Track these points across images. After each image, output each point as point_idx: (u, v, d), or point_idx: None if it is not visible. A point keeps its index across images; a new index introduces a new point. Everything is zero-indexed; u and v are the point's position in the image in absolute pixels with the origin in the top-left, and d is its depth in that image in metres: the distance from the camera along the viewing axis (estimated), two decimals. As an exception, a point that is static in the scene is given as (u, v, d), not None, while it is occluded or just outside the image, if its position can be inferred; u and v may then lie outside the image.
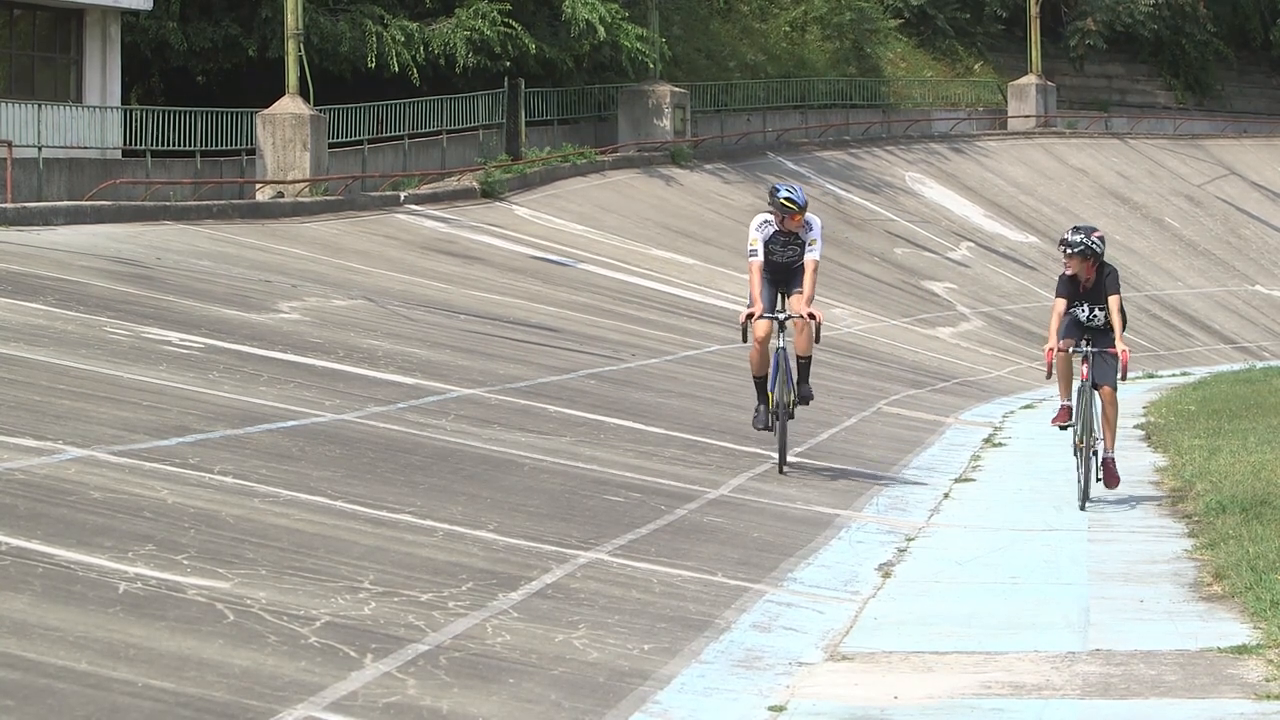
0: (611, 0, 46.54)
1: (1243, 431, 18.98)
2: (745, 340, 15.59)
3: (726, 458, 16.29)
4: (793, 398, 15.83)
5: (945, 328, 40.64)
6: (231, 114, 38.73)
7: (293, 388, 16.50)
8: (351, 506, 11.70)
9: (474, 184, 41.42)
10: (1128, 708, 8.35)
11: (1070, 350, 14.56)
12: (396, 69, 42.37)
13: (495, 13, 44.13)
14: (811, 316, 15.51)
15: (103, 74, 37.39)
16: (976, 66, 66.72)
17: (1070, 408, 14.81)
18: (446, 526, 11.54)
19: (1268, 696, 8.39)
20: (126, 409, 14.08)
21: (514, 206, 40.98)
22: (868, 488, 15.83)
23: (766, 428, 15.88)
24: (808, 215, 15.58)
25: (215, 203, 34.21)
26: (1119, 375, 14.34)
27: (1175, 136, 69.02)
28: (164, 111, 38.08)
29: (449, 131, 44.15)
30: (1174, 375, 36.85)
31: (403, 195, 38.79)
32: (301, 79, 38.31)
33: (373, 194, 38.74)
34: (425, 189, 40.51)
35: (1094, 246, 14.33)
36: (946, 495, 15.81)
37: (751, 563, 11.72)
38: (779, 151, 54.05)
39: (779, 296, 15.76)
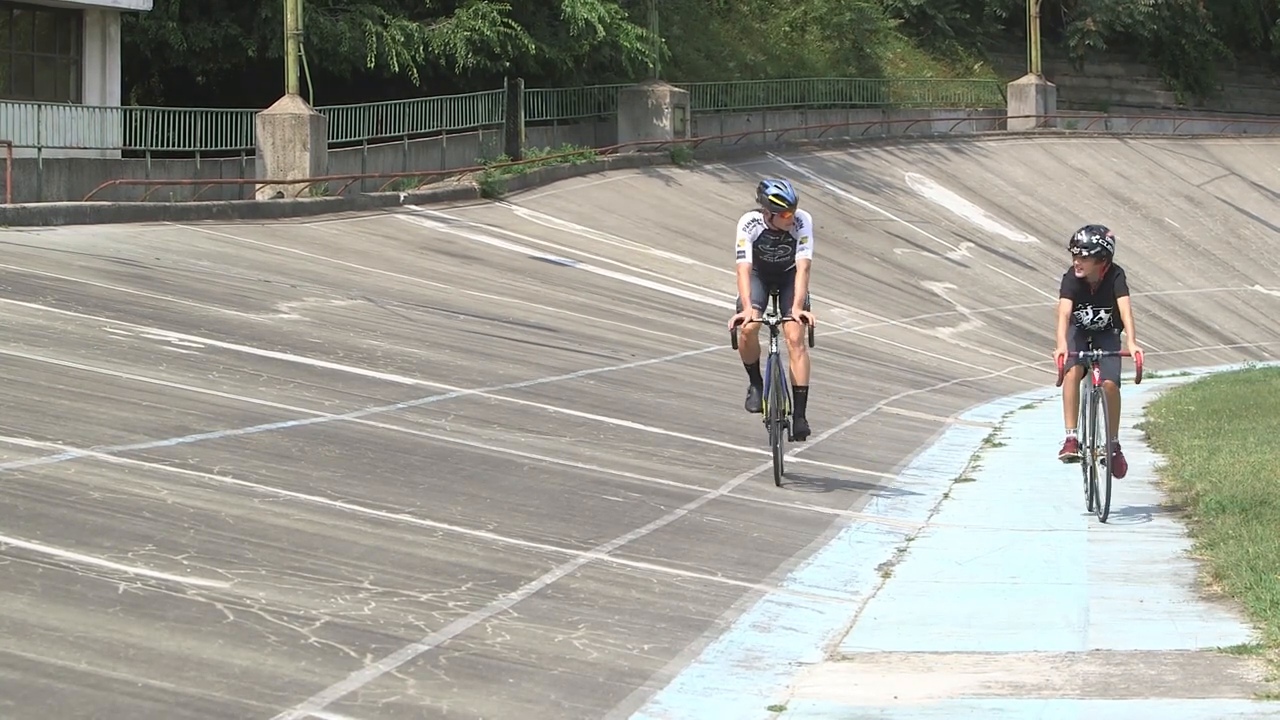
0: (611, 0, 46.53)
1: (1242, 431, 18.98)
2: (735, 346, 14.96)
3: (726, 458, 16.28)
4: (789, 405, 15.07)
5: (945, 328, 40.64)
6: (231, 114, 38.73)
7: (292, 388, 16.50)
8: (351, 506, 11.70)
9: (474, 184, 41.42)
10: (1128, 708, 8.35)
11: (1077, 361, 14.04)
12: (396, 69, 42.37)
13: (495, 13, 44.13)
14: (804, 319, 14.79)
15: (102, 74, 37.39)
16: (976, 66, 66.73)
17: (1076, 440, 14.20)
18: (446, 526, 11.54)
19: (1268, 696, 8.38)
20: (126, 409, 14.08)
21: (513, 207, 40.98)
22: (868, 488, 15.83)
23: (759, 410, 15.15)
24: (798, 212, 14.87)
25: (215, 203, 34.21)
26: (1134, 376, 14.01)
27: (1175, 136, 69.03)
28: (164, 112, 38.08)
29: (449, 132, 44.15)
30: (1174, 375, 36.85)
31: (402, 195, 38.79)
32: (301, 79, 38.32)
33: (372, 194, 38.74)
34: (425, 189, 40.51)
35: (1108, 247, 13.89)
36: (946, 495, 15.81)
37: (751, 563, 11.72)
38: (779, 152, 54.04)
39: (772, 298, 15.07)
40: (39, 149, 34.15)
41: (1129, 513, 14.43)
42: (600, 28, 45.58)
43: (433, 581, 9.99)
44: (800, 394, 15.01)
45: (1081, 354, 13.99)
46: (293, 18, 38.25)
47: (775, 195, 14.74)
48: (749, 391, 15.32)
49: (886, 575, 11.85)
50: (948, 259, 48.73)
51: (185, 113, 38.10)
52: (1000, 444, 20.42)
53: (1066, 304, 14.05)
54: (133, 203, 32.48)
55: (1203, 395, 25.66)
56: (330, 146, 39.59)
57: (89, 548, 9.62)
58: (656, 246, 40.17)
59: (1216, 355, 47.24)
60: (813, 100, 57.76)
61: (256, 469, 12.42)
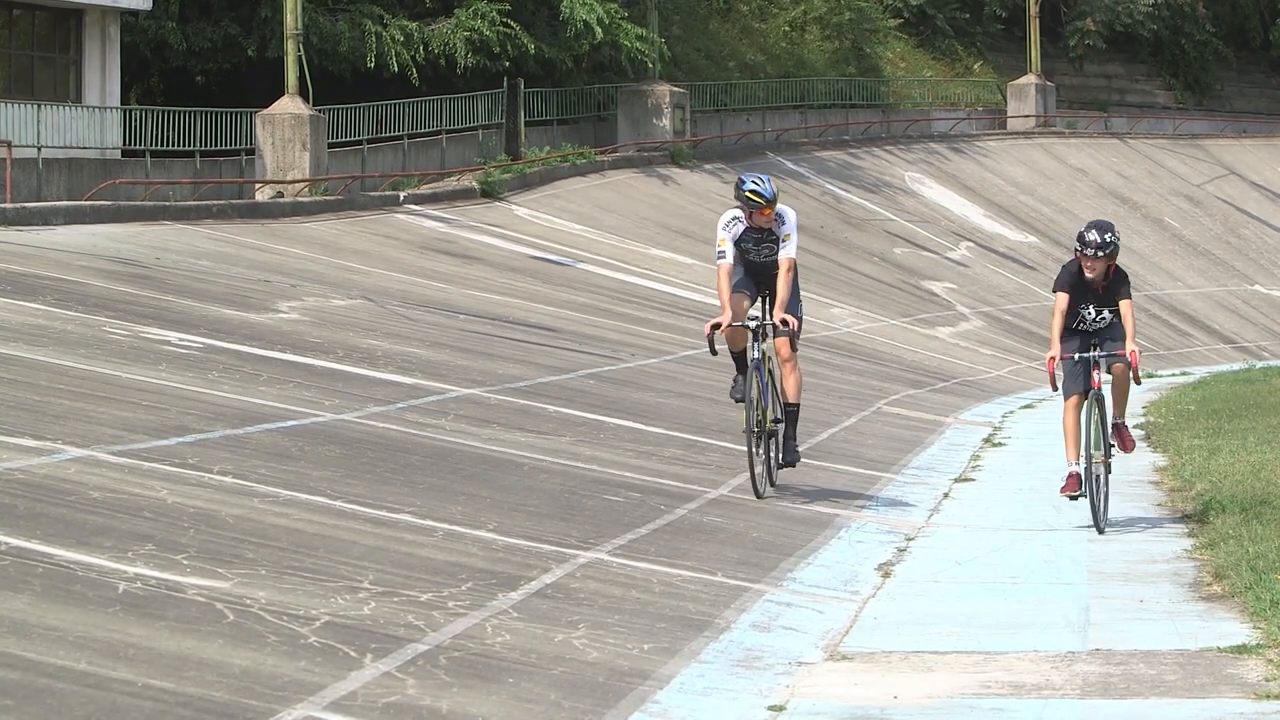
0: (611, 0, 46.53)
1: (1242, 431, 18.99)
2: (714, 353, 14.15)
3: (726, 458, 16.28)
4: (776, 415, 14.34)
5: (945, 328, 40.64)
6: (231, 114, 38.74)
7: (292, 388, 16.50)
8: (351, 506, 11.70)
9: (473, 184, 41.42)
10: (1127, 707, 8.35)
11: (1082, 379, 13.42)
12: (396, 69, 42.38)
13: (494, 13, 44.14)
14: (785, 324, 13.99)
15: (102, 74, 37.40)
16: (976, 66, 66.72)
17: (1079, 475, 13.42)
18: (446, 526, 11.53)
19: (1267, 696, 8.38)
20: (126, 409, 14.08)
21: (513, 206, 40.98)
22: (868, 487, 15.82)
23: (742, 399, 14.20)
24: (779, 208, 14.10)
25: (215, 203, 34.22)
26: (1133, 376, 13.38)
27: (1175, 136, 69.02)
28: (163, 111, 38.09)
29: (448, 131, 44.15)
30: (1174, 375, 36.84)
31: (402, 195, 38.80)
32: (301, 79, 38.32)
33: (372, 194, 38.74)
34: (425, 189, 40.52)
35: (1117, 243, 13.38)
36: (946, 495, 15.81)
37: (751, 562, 11.72)
38: (778, 151, 54.05)
39: (762, 300, 14.38)
40: (39, 149, 34.15)
41: (1129, 513, 14.43)
42: (598, 29, 45.59)
43: (433, 581, 9.99)
44: (791, 412, 14.36)
45: (1078, 356, 13.44)
46: (292, 18, 38.25)
47: (752, 192, 13.98)
48: (735, 380, 14.46)
49: (886, 575, 11.84)
50: (947, 259, 48.73)
51: (185, 113, 38.10)
52: (1000, 444, 20.42)
53: (1064, 299, 13.42)
54: (132, 202, 32.48)
55: (1203, 395, 25.66)
56: (330, 146, 39.59)
57: (89, 548, 9.62)
58: (656, 246, 40.17)
59: (1216, 355, 47.25)
60: (812, 100, 57.76)
61: (256, 469, 12.41)
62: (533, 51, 45.00)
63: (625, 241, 39.82)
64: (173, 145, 37.58)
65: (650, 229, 42.21)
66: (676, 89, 50.58)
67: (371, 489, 12.40)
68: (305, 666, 8.10)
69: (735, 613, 10.24)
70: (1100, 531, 13.30)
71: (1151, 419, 22.22)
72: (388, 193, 38.94)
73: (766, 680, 8.91)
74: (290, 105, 38.23)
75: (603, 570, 10.92)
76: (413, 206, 38.31)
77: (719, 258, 14.12)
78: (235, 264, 27.01)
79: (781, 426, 14.40)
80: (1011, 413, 25.21)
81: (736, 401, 14.50)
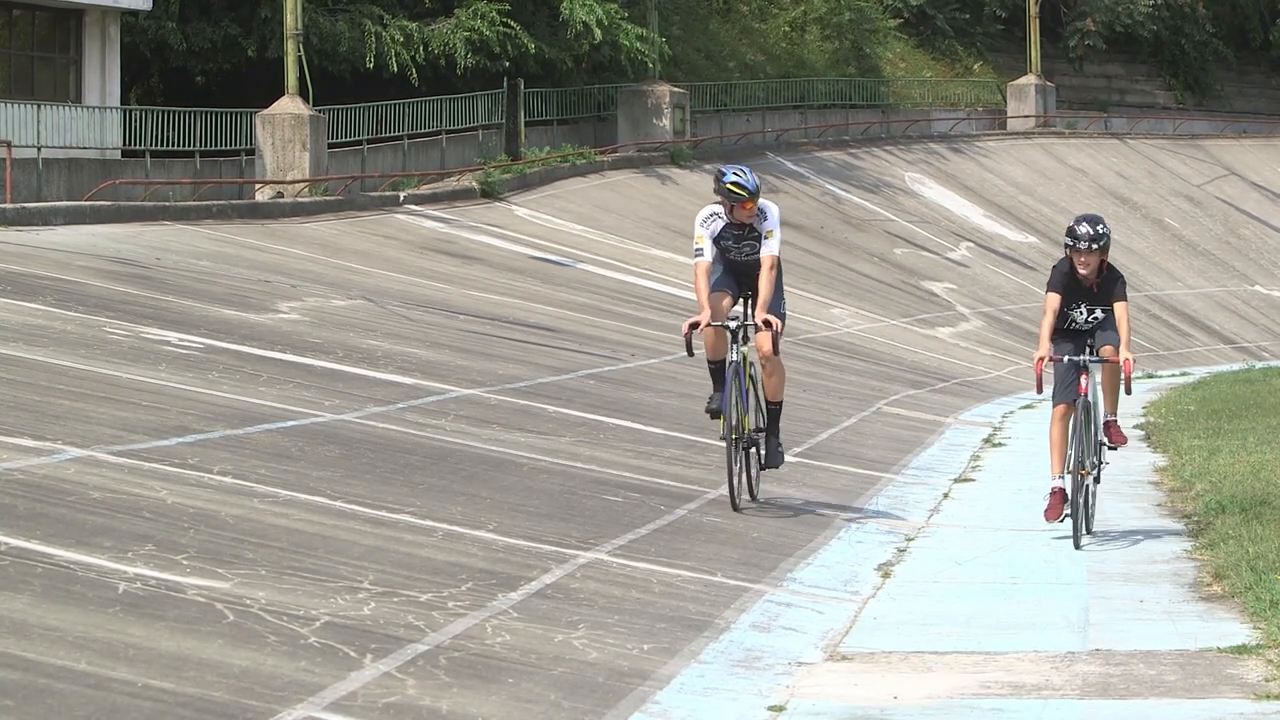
0: (611, 0, 46.53)
1: (1242, 431, 18.98)
2: (690, 353, 13.38)
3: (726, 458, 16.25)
4: (754, 425, 13.56)
5: (945, 328, 40.65)
6: (231, 114, 38.75)
7: (292, 388, 16.50)
8: (351, 506, 11.70)
9: (473, 184, 41.43)
10: (1127, 708, 8.35)
11: (1065, 398, 12.81)
12: (395, 69, 42.38)
13: (494, 13, 44.14)
14: (768, 325, 13.12)
15: (102, 74, 37.40)
16: (976, 66, 66.73)
17: (1064, 491, 12.84)
18: (446, 526, 11.54)
19: (1267, 696, 8.38)
20: (126, 409, 14.08)
21: (513, 207, 40.98)
22: (868, 487, 15.82)
23: (718, 414, 13.39)
24: (761, 202, 13.18)
25: (214, 203, 34.22)
26: (1124, 386, 12.70)
27: (1175, 136, 69.03)
28: (163, 111, 38.10)
29: (448, 132, 44.16)
30: (1173, 375, 36.85)
31: (402, 195, 38.80)
32: (301, 79, 38.33)
33: (372, 194, 38.75)
34: (425, 189, 40.53)
35: (1109, 234, 12.75)
36: (946, 495, 15.81)
37: (751, 563, 11.72)
38: (778, 152, 54.05)
39: (744, 302, 13.52)
40: (39, 149, 34.15)
41: (1129, 513, 14.43)
42: (598, 30, 45.59)
43: (432, 581, 9.99)
44: (774, 411, 13.64)
45: (1067, 358, 12.80)
46: (292, 18, 38.26)
47: (734, 184, 13.11)
48: (710, 397, 13.54)
49: (886, 575, 11.84)
50: (947, 259, 48.73)
51: (185, 113, 38.10)
52: (1000, 444, 20.42)
53: (1055, 299, 12.80)
54: (132, 203, 32.49)
55: (1203, 395, 25.66)
56: (330, 146, 39.60)
57: (89, 548, 9.62)
58: (656, 246, 40.17)
59: (1216, 355, 47.25)
60: (812, 100, 57.77)
61: (256, 469, 12.41)
62: (533, 51, 45.00)
63: (625, 242, 39.82)
64: (173, 145, 37.58)
65: (650, 229, 42.21)
66: (676, 89, 50.58)
67: (371, 489, 12.40)
68: (305, 667, 8.10)
69: (735, 613, 10.24)
70: (1077, 547, 12.56)
71: (1151, 419, 22.22)
72: (387, 193, 38.94)
73: (766, 680, 8.91)
74: (290, 105, 38.24)
75: (603, 570, 10.92)
76: (413, 207, 38.31)
77: (696, 255, 13.23)
78: (235, 264, 27.00)
79: (762, 435, 13.66)
80: (1011, 413, 25.21)
81: (713, 417, 13.54)
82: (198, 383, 15.90)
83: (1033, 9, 63.78)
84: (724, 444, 13.49)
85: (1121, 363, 12.64)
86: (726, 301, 13.40)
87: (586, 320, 27.72)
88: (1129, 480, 15.61)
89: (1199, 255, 58.03)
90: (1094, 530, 13.21)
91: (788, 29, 59.75)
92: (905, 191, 54.20)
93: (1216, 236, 60.38)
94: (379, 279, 28.02)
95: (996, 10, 66.97)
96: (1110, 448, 13.17)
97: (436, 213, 38.24)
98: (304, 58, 38.52)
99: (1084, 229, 12.71)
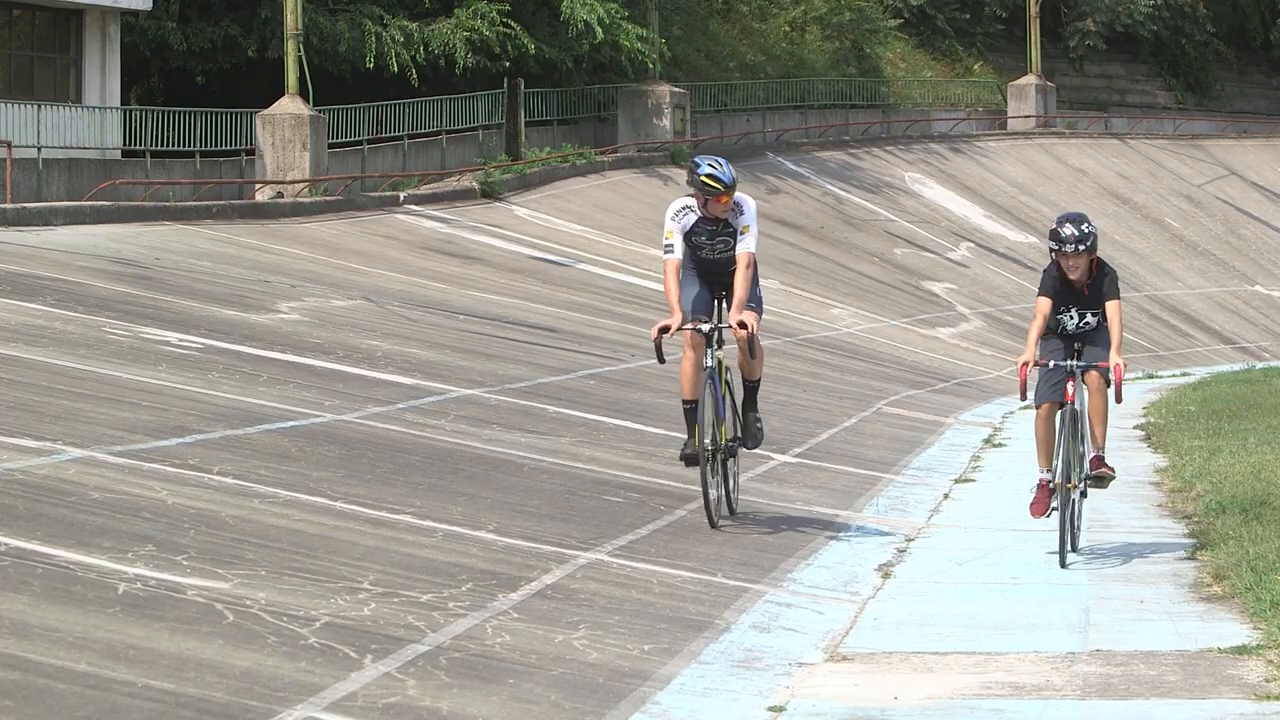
0: (611, 0, 46.53)
1: (1243, 432, 18.98)
2: (661, 360, 12.46)
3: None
4: (731, 435, 12.81)
5: (945, 328, 40.64)
6: (231, 114, 38.74)
7: (292, 388, 16.50)
8: (351, 507, 11.70)
9: (473, 184, 41.43)
10: (1128, 708, 8.35)
11: (1050, 396, 12.13)
12: (396, 69, 42.38)
13: (494, 13, 44.13)
14: (743, 325, 12.37)
15: (102, 74, 37.40)
16: (976, 66, 66.73)
17: (1050, 485, 12.25)
18: (446, 527, 11.53)
19: (1268, 697, 8.38)
20: (126, 409, 14.08)
21: (513, 207, 40.98)
22: (868, 488, 15.82)
23: (694, 462, 12.48)
24: (738, 196, 12.38)
25: (214, 203, 34.22)
26: (1115, 393, 12.06)
27: (1175, 137, 69.03)
28: (163, 112, 38.09)
29: (448, 132, 44.16)
30: (1174, 375, 36.85)
31: (402, 195, 38.80)
32: (301, 79, 38.33)
33: (372, 194, 38.75)
34: (425, 189, 40.53)
35: (1095, 233, 12.05)
36: (946, 495, 15.81)
37: (751, 563, 11.72)
38: (778, 152, 54.05)
39: (716, 302, 12.77)
40: (39, 149, 34.15)
41: (1129, 513, 14.42)
42: (598, 29, 45.58)
43: (433, 582, 9.99)
44: (751, 386, 12.92)
45: (1053, 364, 12.14)
46: (292, 18, 38.25)
47: (708, 176, 12.31)
48: (686, 443, 12.58)
49: (886, 576, 11.84)
50: (948, 259, 48.73)
51: (185, 113, 38.10)
52: (1000, 444, 20.42)
53: (1046, 303, 12.08)
54: (132, 203, 32.49)
55: (1203, 395, 25.66)
56: (330, 146, 39.60)
57: (89, 548, 9.62)
58: (656, 247, 40.05)
59: (1216, 355, 47.25)
60: (813, 100, 57.77)
61: (256, 469, 12.41)
62: (533, 52, 44.99)
63: (625, 242, 39.81)
64: (173, 145, 37.58)
65: (650, 229, 42.18)
66: (677, 89, 50.58)
67: (371, 489, 12.40)
68: (305, 667, 8.10)
69: (735, 613, 10.23)
70: (1063, 566, 11.91)
71: (1151, 419, 22.22)
72: (388, 193, 38.94)
73: (766, 681, 8.91)
74: (290, 105, 38.23)
75: (603, 571, 10.92)
76: (413, 207, 38.31)
77: (666, 251, 12.47)
78: (235, 264, 27.00)
79: (739, 443, 12.95)
80: (1012, 413, 25.20)
81: (688, 464, 12.63)
82: (198, 383, 15.90)
83: (1033, 9, 63.77)
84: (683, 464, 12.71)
85: (1112, 368, 11.96)
86: (702, 331, 12.49)
87: (587, 320, 27.72)
88: (1129, 481, 15.61)
89: (1199, 255, 58.03)
90: (1080, 548, 12.46)
91: (788, 29, 59.75)
92: (905, 192, 54.20)
93: (1217, 237, 60.38)
94: (379, 279, 28.02)
95: (996, 10, 66.96)
96: (1096, 481, 12.35)
97: (436, 213, 38.24)
98: (304, 58, 38.51)
99: (1068, 230, 12.00)
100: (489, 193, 41.25)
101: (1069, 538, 12.14)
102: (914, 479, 16.79)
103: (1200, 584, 11.29)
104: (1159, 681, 8.79)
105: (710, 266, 12.64)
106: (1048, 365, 12.13)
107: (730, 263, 12.53)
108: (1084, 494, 12.39)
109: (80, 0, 36.56)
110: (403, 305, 25.16)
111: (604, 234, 40.16)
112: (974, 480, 16.92)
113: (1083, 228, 11.97)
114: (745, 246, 12.46)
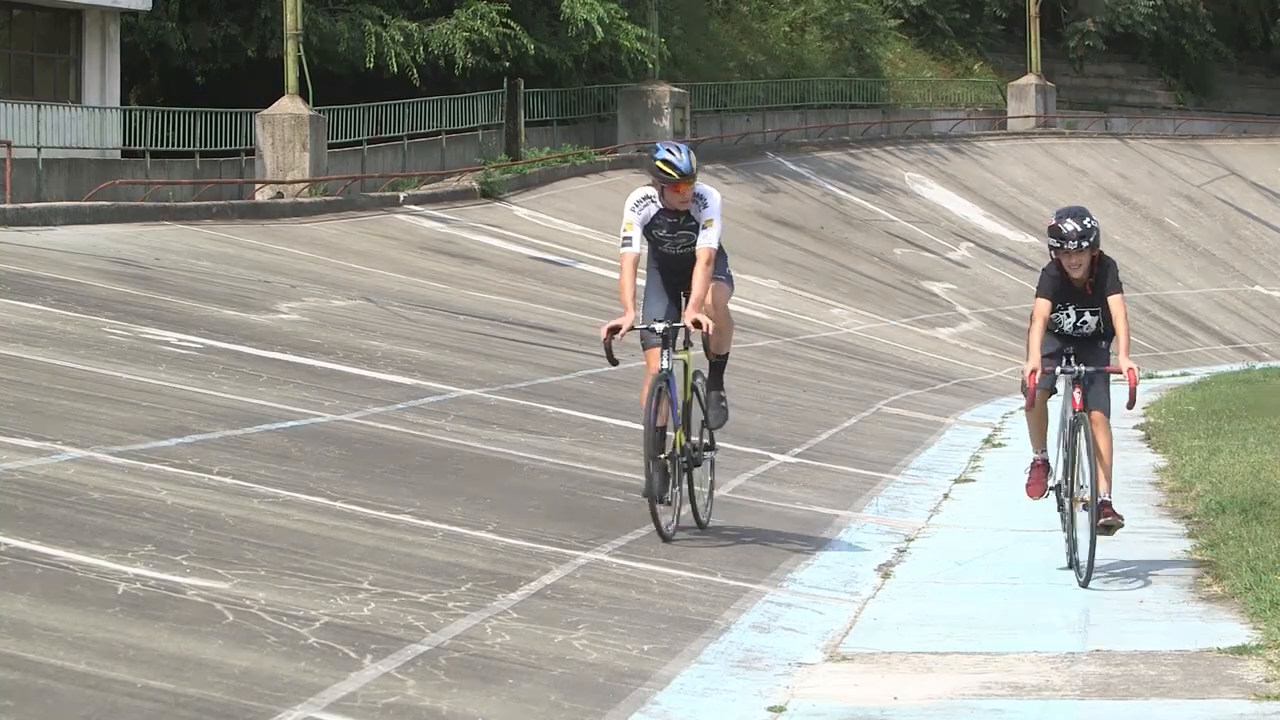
0: (611, 0, 46.54)
1: (1242, 432, 18.98)
2: (613, 363, 11.59)
3: (726, 458, 16.25)
4: (693, 441, 11.92)
5: (945, 328, 40.64)
6: (231, 114, 38.74)
7: (292, 388, 16.50)
8: (351, 507, 11.69)
9: (473, 184, 41.43)
10: (1127, 708, 8.35)
11: (1050, 375, 11.49)
12: (395, 69, 42.38)
13: (494, 13, 44.13)
14: (697, 325, 11.48)
15: (102, 74, 37.40)
16: (976, 67, 66.73)
17: (1046, 463, 11.70)
18: (446, 527, 11.53)
19: (1268, 697, 8.38)
20: (125, 409, 14.07)
21: (513, 207, 40.98)
22: (867, 488, 15.82)
23: (662, 500, 11.59)
24: (701, 187, 11.56)
25: (214, 203, 34.22)
26: (1127, 399, 11.37)
27: (1175, 137, 69.02)
28: (163, 112, 38.09)
29: (448, 132, 44.16)
30: (1174, 375, 36.85)
31: (402, 196, 38.80)
32: (301, 79, 38.33)
33: (372, 194, 38.75)
34: (425, 189, 40.53)
35: (1098, 228, 11.42)
36: (946, 496, 15.81)
37: (751, 563, 11.71)
38: (778, 152, 54.05)
39: (675, 301, 11.92)
40: (39, 149, 34.14)
41: (1129, 513, 14.40)
42: (599, 28, 45.58)
43: (432, 582, 9.99)
44: (717, 363, 12.09)
45: (1058, 369, 11.45)
46: (292, 18, 38.25)
47: (663, 162, 11.41)
48: (648, 477, 11.53)
49: (886, 576, 11.84)
50: (947, 259, 48.73)
51: (185, 113, 38.10)
52: (1000, 444, 20.42)
53: (1045, 305, 11.39)
54: (132, 203, 32.49)
55: (1203, 396, 25.66)
56: (330, 147, 39.59)
57: (89, 548, 9.62)
58: (656, 247, 40.14)
59: (1216, 355, 47.25)
60: (812, 100, 57.77)
61: (256, 469, 12.41)
62: (533, 52, 44.98)
63: (625, 242, 39.77)
64: (173, 145, 37.58)
65: (650, 229, 42.21)
66: (676, 89, 50.57)
67: (371, 490, 12.39)
68: (305, 667, 8.10)
69: (735, 613, 10.23)
70: (1068, 565, 11.52)
71: (1151, 419, 22.21)
72: (387, 193, 38.94)
73: (766, 681, 8.91)
74: (290, 105, 38.23)
75: (602, 571, 10.92)
76: (413, 207, 38.31)
77: (624, 244, 11.54)
78: (235, 264, 27.00)
79: (707, 451, 12.16)
80: (1011, 413, 25.20)
81: (653, 503, 11.62)
82: (197, 383, 15.90)
83: (1033, 9, 63.77)
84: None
85: (1125, 372, 11.22)
86: (655, 347, 11.63)
87: (586, 320, 27.71)
88: (1129, 481, 15.60)
89: (1199, 255, 58.02)
90: (1092, 584, 11.30)
91: (788, 29, 59.75)
92: (905, 192, 54.20)
93: (1217, 237, 60.37)
94: (379, 279, 28.02)
95: (996, 10, 66.96)
96: (1104, 530, 11.50)
97: (436, 213, 38.24)
98: (304, 58, 38.51)
99: (1070, 225, 11.32)
100: (489, 193, 41.25)
101: (1076, 549, 11.51)
102: (914, 479, 16.79)
103: (1200, 584, 11.29)
104: (1159, 681, 8.79)
105: (672, 263, 11.80)
106: (1054, 372, 11.45)
107: (691, 258, 11.63)
108: (1085, 508, 11.48)
109: (80, 0, 36.56)
110: (402, 305, 25.15)
111: (604, 234, 40.16)
112: (974, 480, 16.92)
113: (1085, 223, 11.34)
114: (706, 241, 11.55)
